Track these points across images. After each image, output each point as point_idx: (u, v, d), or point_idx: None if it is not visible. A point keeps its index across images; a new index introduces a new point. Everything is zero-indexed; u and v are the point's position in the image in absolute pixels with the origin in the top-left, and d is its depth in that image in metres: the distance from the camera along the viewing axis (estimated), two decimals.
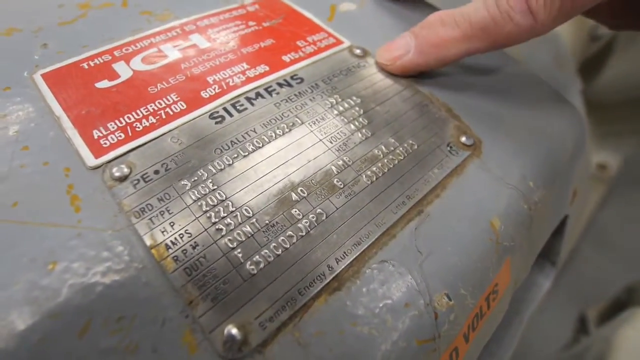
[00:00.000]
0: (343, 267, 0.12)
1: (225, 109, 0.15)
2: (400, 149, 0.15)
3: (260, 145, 0.14)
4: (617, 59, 0.56)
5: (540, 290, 0.25)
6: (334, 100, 0.16)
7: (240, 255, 0.12)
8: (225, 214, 0.12)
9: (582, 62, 0.51)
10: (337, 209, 0.13)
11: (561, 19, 0.16)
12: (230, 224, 0.12)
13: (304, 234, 0.12)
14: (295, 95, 0.16)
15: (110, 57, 0.16)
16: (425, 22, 0.18)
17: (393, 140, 0.15)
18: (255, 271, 0.11)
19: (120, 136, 0.13)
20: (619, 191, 0.66)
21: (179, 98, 0.15)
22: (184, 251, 0.11)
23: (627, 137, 0.65)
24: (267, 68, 0.17)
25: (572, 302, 0.56)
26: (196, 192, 0.13)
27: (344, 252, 0.12)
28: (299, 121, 0.15)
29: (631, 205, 0.66)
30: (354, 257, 0.12)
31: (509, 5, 0.15)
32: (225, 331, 0.10)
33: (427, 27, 0.17)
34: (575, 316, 0.55)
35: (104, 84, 0.15)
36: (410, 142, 0.16)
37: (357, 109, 0.16)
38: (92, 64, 0.16)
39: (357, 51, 0.18)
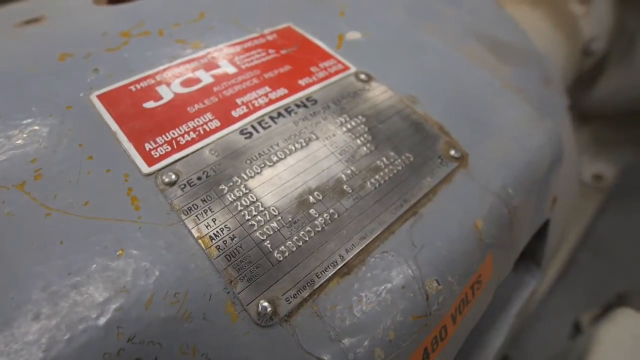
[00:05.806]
0: (352, 256, 0.15)
1: (252, 127, 0.18)
2: (399, 160, 0.18)
3: (283, 156, 0.17)
4: (611, 73, 0.59)
5: (527, 289, 0.28)
6: (343, 119, 0.19)
7: (269, 245, 0.14)
8: (256, 213, 0.15)
9: (577, 76, 0.53)
10: (347, 209, 0.16)
11: None
12: (261, 220, 0.15)
13: (319, 229, 0.15)
14: (310, 114, 0.19)
15: (153, 81, 0.19)
16: None
17: (393, 153, 0.18)
18: (281, 258, 0.14)
19: (167, 148, 0.16)
20: (615, 201, 0.68)
21: (213, 117, 0.18)
22: (225, 242, 0.14)
23: (622, 148, 0.68)
24: (286, 91, 0.20)
25: (568, 310, 0.57)
26: (232, 195, 0.15)
27: (352, 244, 0.15)
28: (314, 137, 0.18)
29: (627, 214, 0.68)
30: (361, 248, 0.15)
31: None
32: (259, 304, 0.13)
33: None
34: (571, 323, 0.56)
35: (150, 104, 0.18)
36: (407, 154, 0.18)
37: (362, 126, 0.19)
38: (138, 86, 0.19)
39: (362, 76, 0.21)
